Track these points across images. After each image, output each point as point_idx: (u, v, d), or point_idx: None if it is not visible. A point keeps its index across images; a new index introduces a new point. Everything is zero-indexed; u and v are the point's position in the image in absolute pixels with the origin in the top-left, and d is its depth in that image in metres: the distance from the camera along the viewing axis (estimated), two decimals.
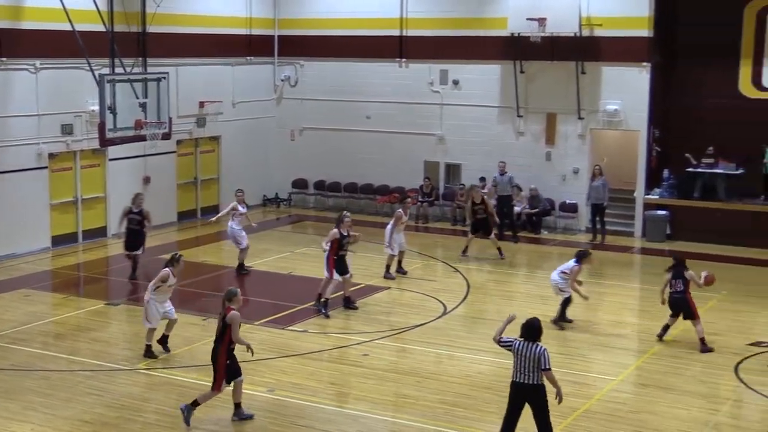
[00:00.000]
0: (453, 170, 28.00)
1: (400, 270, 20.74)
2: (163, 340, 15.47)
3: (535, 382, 11.03)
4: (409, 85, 28.03)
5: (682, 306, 16.12)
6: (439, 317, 17.78)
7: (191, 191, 27.49)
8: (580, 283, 17.30)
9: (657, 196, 25.34)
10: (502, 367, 14.79)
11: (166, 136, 22.37)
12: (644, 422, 12.93)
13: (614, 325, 17.73)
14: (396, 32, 28.01)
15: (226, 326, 12.30)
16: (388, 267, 20.46)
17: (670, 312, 16.31)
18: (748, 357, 15.60)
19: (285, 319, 17.41)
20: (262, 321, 17.23)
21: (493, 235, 22.30)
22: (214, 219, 21.89)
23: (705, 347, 15.92)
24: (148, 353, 15.15)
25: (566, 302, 17.15)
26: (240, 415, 12.67)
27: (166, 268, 15.16)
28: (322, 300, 17.49)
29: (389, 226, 20.55)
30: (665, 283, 16.24)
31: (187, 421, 12.35)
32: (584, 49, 25.41)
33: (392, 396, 13.79)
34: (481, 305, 18.76)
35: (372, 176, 28.81)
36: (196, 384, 13.86)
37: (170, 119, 22.35)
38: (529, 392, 11.06)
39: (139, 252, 20.22)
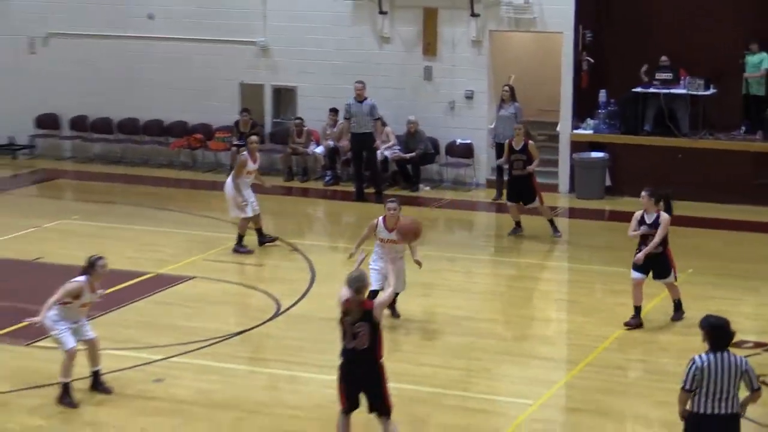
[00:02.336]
0: (285, 98, 28.10)
1: (265, 238, 21.54)
2: (96, 380, 14.77)
3: (733, 411, 11.00)
4: None
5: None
6: (270, 319, 17.77)
7: None
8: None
9: (591, 131, 25.90)
10: None
11: None
12: None
13: (531, 324, 18.14)
14: None
15: (376, 330, 12.32)
16: (240, 237, 21.20)
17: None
18: None
19: (29, 331, 16.97)
20: None
21: (537, 201, 22.16)
22: None
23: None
24: (65, 399, 14.37)
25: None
26: None
27: (79, 279, 14.47)
28: None
29: (229, 180, 21.07)
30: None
31: None
32: None
33: None
34: (332, 300, 18.72)
35: (160, 109, 28.72)
36: None
37: None
38: (723, 426, 11.03)
39: None
